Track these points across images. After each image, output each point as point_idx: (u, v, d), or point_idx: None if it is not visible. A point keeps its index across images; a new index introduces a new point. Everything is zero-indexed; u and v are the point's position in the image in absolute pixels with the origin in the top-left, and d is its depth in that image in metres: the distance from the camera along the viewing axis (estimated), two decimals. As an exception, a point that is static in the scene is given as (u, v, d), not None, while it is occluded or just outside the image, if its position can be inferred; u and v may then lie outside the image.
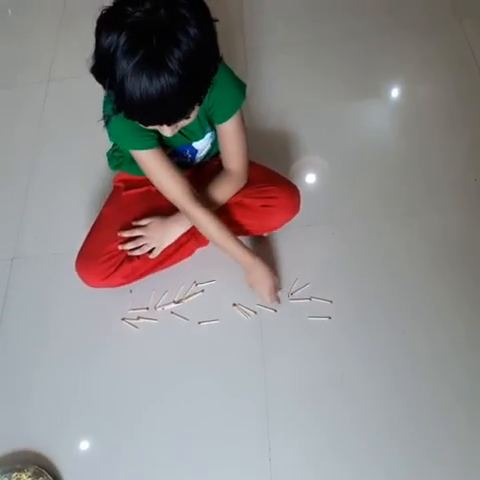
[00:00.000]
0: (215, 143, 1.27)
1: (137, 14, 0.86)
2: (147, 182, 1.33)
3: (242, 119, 1.18)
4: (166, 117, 0.96)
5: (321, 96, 1.63)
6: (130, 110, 0.94)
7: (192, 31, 0.87)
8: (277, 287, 1.28)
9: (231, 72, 1.14)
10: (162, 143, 1.18)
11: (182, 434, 1.17)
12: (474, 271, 1.28)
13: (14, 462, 1.17)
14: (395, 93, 1.64)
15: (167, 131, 1.03)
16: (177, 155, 1.24)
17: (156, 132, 1.13)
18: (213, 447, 1.15)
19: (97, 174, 1.51)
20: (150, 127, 1.02)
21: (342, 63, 1.68)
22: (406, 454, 1.10)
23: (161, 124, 0.98)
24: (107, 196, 1.38)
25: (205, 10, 0.92)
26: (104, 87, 0.95)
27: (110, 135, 1.16)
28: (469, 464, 1.08)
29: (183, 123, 1.03)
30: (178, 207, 1.23)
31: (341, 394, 1.17)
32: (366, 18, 1.76)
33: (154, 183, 1.21)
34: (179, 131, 1.16)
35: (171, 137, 1.16)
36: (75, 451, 1.20)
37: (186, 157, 1.26)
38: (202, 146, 1.25)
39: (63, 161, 1.62)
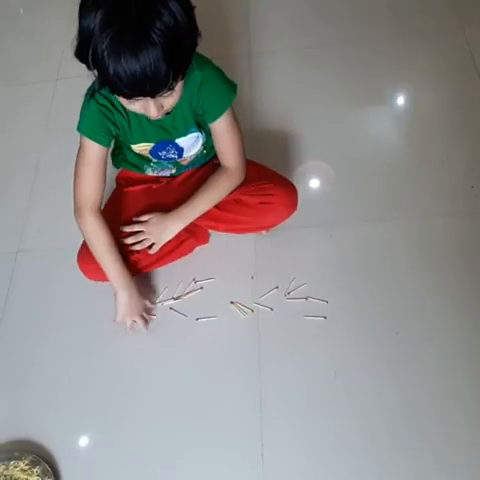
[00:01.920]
0: (212, 146, 1.28)
1: None
2: (148, 180, 1.37)
3: (235, 117, 1.20)
4: (150, 87, 0.94)
5: (324, 101, 1.64)
6: (114, 84, 0.93)
7: (172, 4, 0.89)
8: (132, 316, 1.29)
9: (219, 72, 1.15)
10: (145, 138, 1.20)
11: (176, 428, 1.19)
12: (472, 274, 1.29)
13: (12, 450, 1.19)
14: (398, 99, 1.65)
15: (153, 111, 1.01)
16: (161, 150, 1.25)
17: (115, 136, 1.16)
18: (206, 441, 1.17)
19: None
20: (136, 109, 1.02)
21: (345, 68, 1.69)
22: (400, 452, 1.11)
23: (145, 95, 0.96)
24: (110, 193, 1.41)
25: None
26: (88, 67, 0.96)
27: (79, 121, 1.17)
28: (468, 465, 1.09)
29: (169, 102, 1.03)
30: (76, 206, 1.23)
31: (335, 392, 1.19)
32: (370, 24, 1.77)
33: (75, 172, 1.21)
34: (161, 127, 1.18)
35: (151, 132, 1.18)
36: (73, 441, 1.22)
37: (173, 154, 1.27)
38: (187, 144, 1.25)
39: (69, 158, 1.61)
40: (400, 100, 1.65)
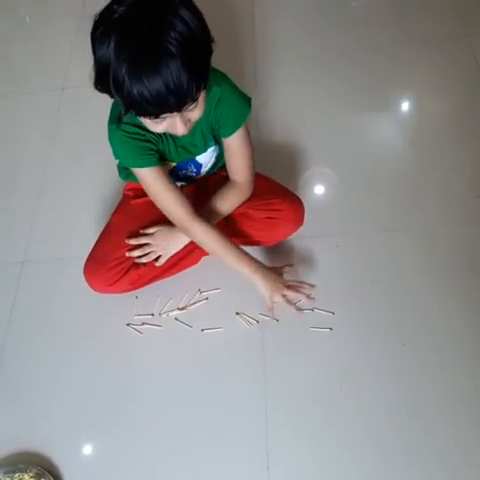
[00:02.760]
0: (221, 156, 1.29)
1: (122, 8, 0.88)
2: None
3: (247, 132, 1.20)
4: (175, 101, 0.92)
5: (330, 109, 1.64)
6: (140, 105, 0.91)
7: (182, 12, 0.88)
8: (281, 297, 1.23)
9: (235, 87, 1.15)
10: (167, 158, 1.20)
11: (182, 441, 1.19)
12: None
13: (17, 462, 1.19)
14: (404, 106, 1.65)
15: (180, 127, 1.00)
16: (181, 169, 1.26)
17: (157, 151, 1.15)
18: (211, 453, 1.17)
19: (108, 182, 1.54)
20: (162, 129, 1.02)
21: (351, 76, 1.69)
22: (408, 462, 1.11)
23: (172, 110, 0.94)
24: (117, 204, 1.41)
25: None
26: (110, 95, 0.96)
27: (114, 153, 1.17)
28: (475, 468, 1.09)
29: (195, 115, 1.02)
30: (176, 224, 1.24)
31: (340, 404, 1.18)
32: (376, 33, 1.77)
33: (154, 200, 1.22)
34: (182, 147, 1.18)
35: (174, 152, 1.18)
36: (77, 454, 1.21)
37: (191, 171, 1.28)
38: (206, 160, 1.26)
39: (75, 168, 1.65)
40: (406, 108, 1.65)
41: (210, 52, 0.96)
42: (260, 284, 1.23)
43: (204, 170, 1.30)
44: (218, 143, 1.24)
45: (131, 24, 0.87)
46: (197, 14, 0.92)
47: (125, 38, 0.88)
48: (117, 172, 1.38)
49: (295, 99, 1.68)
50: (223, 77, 1.14)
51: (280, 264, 1.33)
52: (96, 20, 0.91)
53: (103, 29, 0.89)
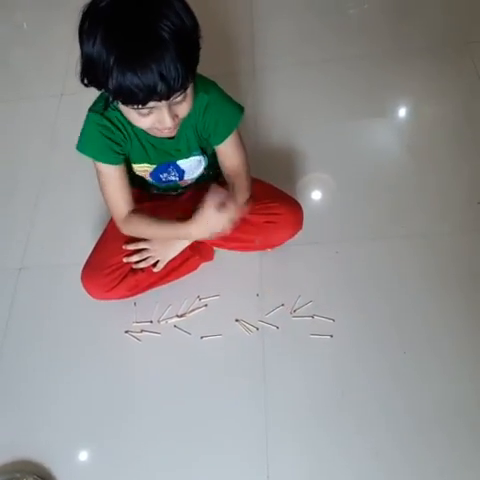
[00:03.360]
0: (211, 168, 1.27)
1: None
2: (153, 197, 1.35)
3: (240, 137, 1.20)
4: (165, 88, 0.91)
5: (328, 115, 1.64)
6: (129, 92, 0.90)
7: (174, 2, 0.89)
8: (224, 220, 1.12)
9: (224, 94, 1.14)
10: (146, 159, 1.19)
11: (181, 450, 1.18)
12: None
13: (13, 471, 1.17)
14: (402, 113, 1.65)
15: (168, 120, 0.98)
16: (162, 172, 1.24)
17: (120, 153, 1.14)
18: (211, 462, 1.15)
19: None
20: (148, 124, 1.00)
21: (350, 83, 1.69)
22: (409, 472, 1.10)
23: (160, 98, 0.93)
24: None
25: None
26: (98, 88, 0.94)
27: (80, 137, 1.15)
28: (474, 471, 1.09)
29: (183, 110, 1.00)
30: (116, 222, 1.25)
31: (341, 412, 1.17)
32: (376, 40, 1.78)
33: (102, 194, 1.22)
34: (164, 150, 1.17)
35: (154, 154, 1.17)
36: (74, 462, 1.20)
37: (174, 175, 1.26)
38: (189, 167, 1.24)
39: (72, 175, 1.64)
40: (405, 115, 1.65)
41: (199, 46, 0.95)
42: (199, 234, 1.17)
43: (188, 177, 1.28)
44: (207, 155, 1.23)
45: (120, 12, 0.87)
46: (187, 7, 0.92)
47: (114, 25, 0.87)
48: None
49: (293, 104, 1.68)
50: (212, 84, 1.12)
51: (280, 270, 1.32)
52: (84, 12, 0.90)
53: (91, 20, 0.89)
